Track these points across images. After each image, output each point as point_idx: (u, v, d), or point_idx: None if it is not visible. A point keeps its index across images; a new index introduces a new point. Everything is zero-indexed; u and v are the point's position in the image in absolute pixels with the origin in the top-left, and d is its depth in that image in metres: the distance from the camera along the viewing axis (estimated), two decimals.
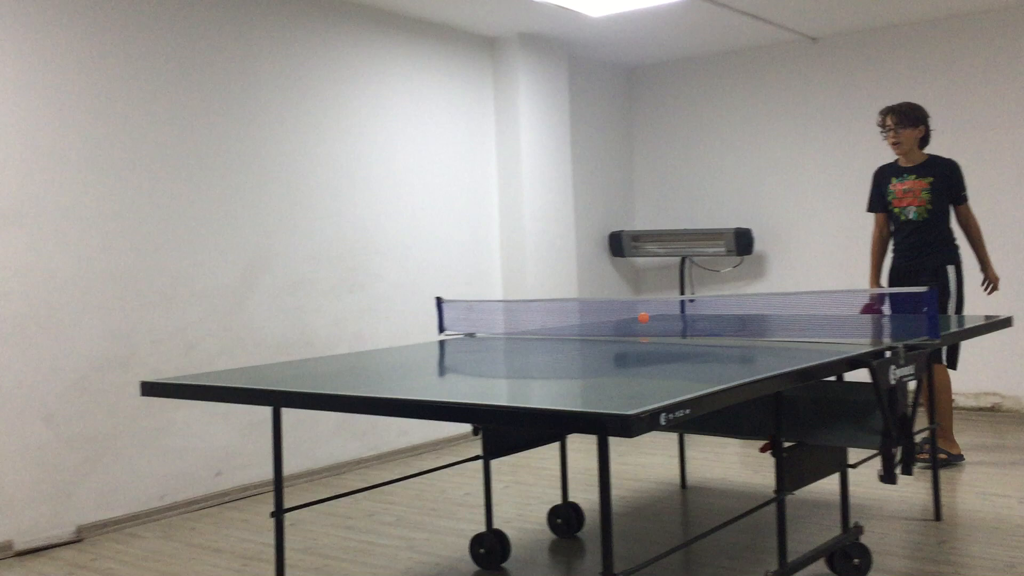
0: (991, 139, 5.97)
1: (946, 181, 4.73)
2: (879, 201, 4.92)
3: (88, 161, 4.18)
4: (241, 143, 4.79)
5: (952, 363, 4.72)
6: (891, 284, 4.86)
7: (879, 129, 4.83)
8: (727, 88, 7.02)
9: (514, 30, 6.11)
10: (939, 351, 4.64)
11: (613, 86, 7.34)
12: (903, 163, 4.82)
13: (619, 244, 7.08)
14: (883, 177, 4.91)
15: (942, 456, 4.67)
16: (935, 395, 4.66)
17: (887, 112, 4.80)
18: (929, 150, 4.82)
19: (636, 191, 7.50)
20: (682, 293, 7.01)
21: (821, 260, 6.61)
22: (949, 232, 4.78)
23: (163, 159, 4.46)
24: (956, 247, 4.77)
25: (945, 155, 4.83)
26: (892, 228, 4.88)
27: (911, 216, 4.75)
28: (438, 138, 5.89)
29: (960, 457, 4.74)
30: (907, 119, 4.73)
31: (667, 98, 7.32)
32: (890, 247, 4.93)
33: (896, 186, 4.81)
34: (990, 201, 5.97)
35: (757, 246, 6.81)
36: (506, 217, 6.26)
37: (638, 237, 7.05)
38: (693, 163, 7.21)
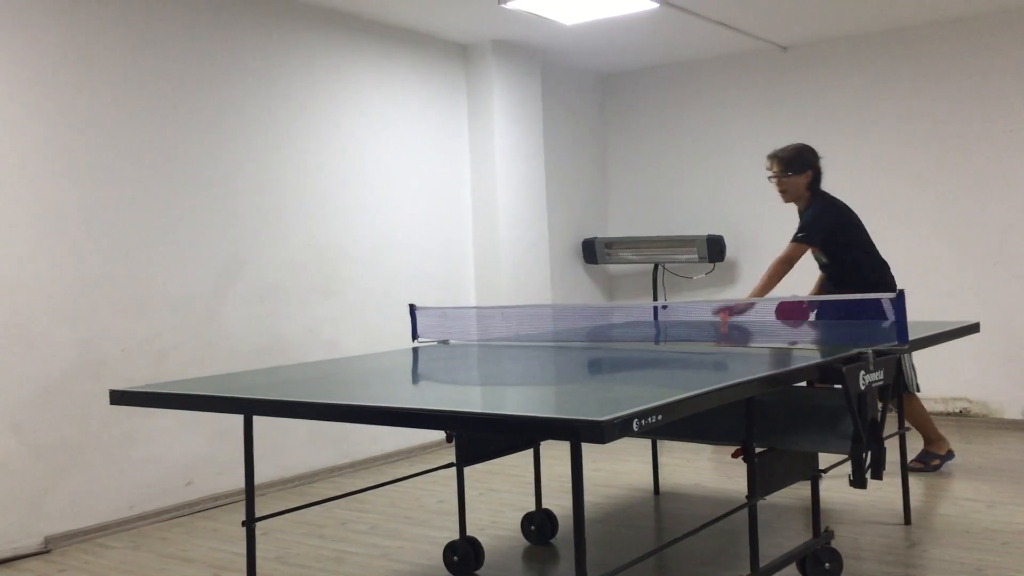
0: (959, 147, 6.05)
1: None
2: None
3: (57, 166, 4.14)
4: (213, 149, 4.76)
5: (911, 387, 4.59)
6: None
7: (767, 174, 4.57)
8: (699, 96, 7.07)
9: (487, 37, 6.12)
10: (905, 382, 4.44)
11: (586, 94, 7.37)
12: (799, 208, 4.57)
13: (592, 251, 7.10)
14: None
15: (935, 463, 4.65)
16: (908, 415, 4.56)
17: (771, 157, 4.55)
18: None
19: (609, 198, 7.53)
20: (655, 299, 7.04)
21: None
22: (862, 266, 4.50)
23: (133, 165, 4.42)
24: (877, 276, 4.48)
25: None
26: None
27: (822, 259, 4.56)
28: (411, 145, 5.88)
29: (951, 455, 4.70)
30: (792, 166, 4.46)
31: (640, 106, 7.36)
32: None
33: None
34: (957, 211, 6.05)
35: (729, 253, 6.85)
36: (480, 224, 6.26)
37: (611, 244, 7.07)
38: (666, 170, 7.25)
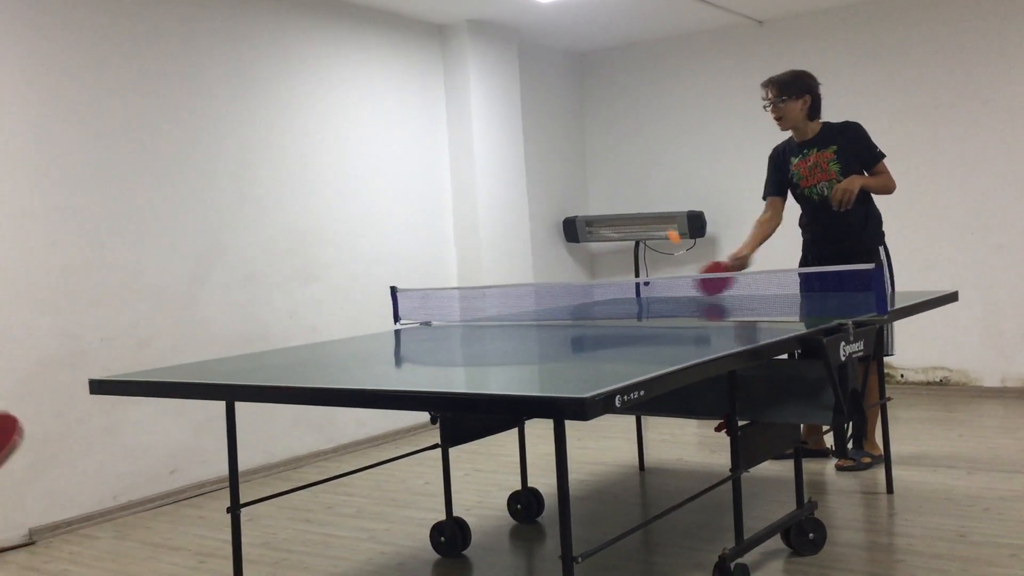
0: (935, 118, 6.07)
1: (851, 145, 4.26)
2: (777, 185, 4.48)
3: (32, 155, 4.08)
4: (188, 134, 4.71)
5: (888, 349, 4.34)
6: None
7: (763, 103, 4.33)
8: (677, 72, 7.06)
9: (463, 17, 6.08)
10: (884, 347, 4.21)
11: (564, 72, 7.34)
12: (797, 137, 4.36)
13: (573, 229, 7.10)
14: (782, 159, 4.45)
15: (866, 460, 4.25)
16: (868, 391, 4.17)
17: (767, 84, 4.32)
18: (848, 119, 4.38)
19: (589, 176, 7.52)
20: (637, 276, 7.05)
21: (771, 241, 6.67)
22: (871, 204, 4.33)
23: (109, 152, 4.37)
24: (881, 221, 4.37)
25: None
26: (805, 214, 4.44)
27: (825, 193, 4.26)
28: (389, 127, 5.84)
29: (882, 458, 4.09)
30: (789, 90, 4.25)
31: (618, 83, 7.34)
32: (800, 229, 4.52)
33: (799, 165, 4.33)
34: (933, 182, 6.08)
35: (710, 229, 6.87)
36: (460, 205, 6.24)
37: (592, 222, 7.07)
38: (645, 148, 7.24)
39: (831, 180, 4.24)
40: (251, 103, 5.02)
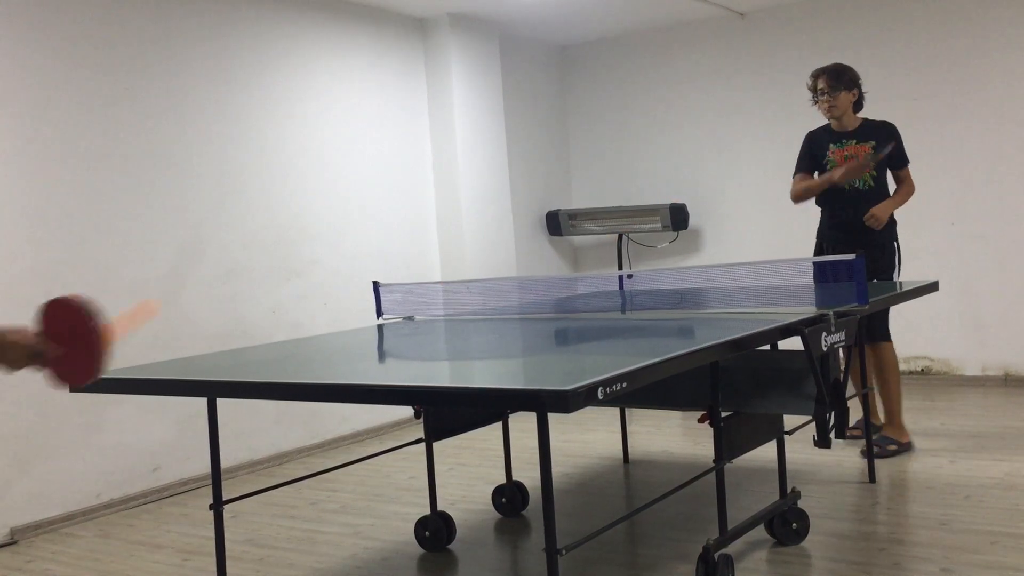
0: (918, 110, 6.10)
1: (888, 143, 4.39)
2: (811, 165, 4.55)
3: (9, 152, 4.04)
4: (169, 131, 4.67)
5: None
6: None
7: (810, 94, 4.49)
8: (659, 65, 7.06)
9: (444, 10, 6.06)
10: (885, 328, 4.37)
11: (546, 65, 7.33)
12: (837, 127, 4.48)
13: (556, 223, 7.10)
14: (818, 143, 4.53)
15: (892, 447, 4.27)
16: (885, 376, 4.35)
17: (819, 74, 4.45)
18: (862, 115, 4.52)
19: (572, 170, 7.52)
20: (620, 269, 7.06)
21: (754, 232, 6.70)
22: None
23: (88, 148, 4.33)
24: (894, 217, 4.48)
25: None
26: (825, 199, 4.49)
27: (856, 184, 4.38)
28: (371, 121, 5.82)
29: (910, 445, 4.32)
30: (842, 81, 4.38)
31: (600, 76, 7.33)
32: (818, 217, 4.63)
33: (836, 153, 4.44)
34: (914, 173, 6.09)
35: (692, 221, 6.88)
36: (442, 199, 6.23)
37: (575, 215, 7.07)
38: (627, 140, 7.24)
39: (866, 173, 4.39)
40: (231, 98, 4.98)
